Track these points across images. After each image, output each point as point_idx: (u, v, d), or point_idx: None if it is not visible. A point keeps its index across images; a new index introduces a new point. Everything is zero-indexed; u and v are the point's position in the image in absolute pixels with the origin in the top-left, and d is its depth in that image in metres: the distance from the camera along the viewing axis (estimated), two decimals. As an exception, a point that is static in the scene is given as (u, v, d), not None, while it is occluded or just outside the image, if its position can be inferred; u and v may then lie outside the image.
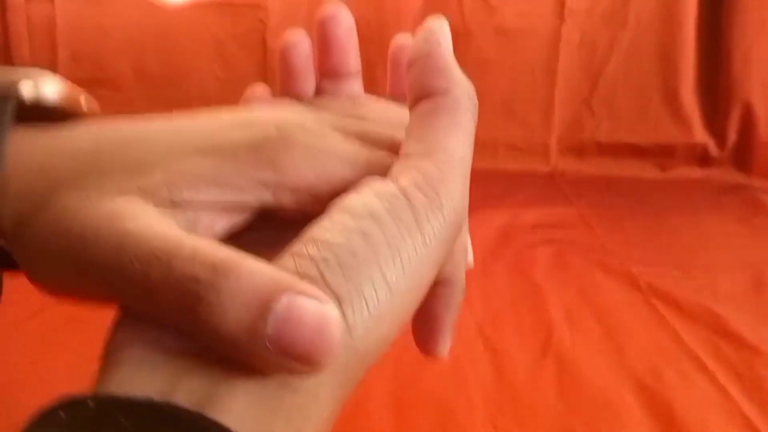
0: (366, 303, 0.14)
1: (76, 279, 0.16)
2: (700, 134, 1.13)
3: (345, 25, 0.25)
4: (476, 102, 0.20)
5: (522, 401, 0.53)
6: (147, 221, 0.15)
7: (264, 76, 1.12)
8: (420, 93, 0.19)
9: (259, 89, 0.25)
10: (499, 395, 0.53)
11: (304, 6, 1.11)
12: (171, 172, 0.16)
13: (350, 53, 0.25)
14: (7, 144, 0.16)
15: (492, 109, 1.14)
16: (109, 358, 0.14)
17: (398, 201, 0.16)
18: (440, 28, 0.20)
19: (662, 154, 1.13)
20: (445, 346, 0.22)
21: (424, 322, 0.21)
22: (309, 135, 0.18)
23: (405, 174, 0.16)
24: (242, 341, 0.13)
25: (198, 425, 0.12)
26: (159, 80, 1.12)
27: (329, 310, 0.13)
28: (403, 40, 0.26)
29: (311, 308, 0.13)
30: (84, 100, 0.20)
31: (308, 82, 0.25)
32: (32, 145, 0.17)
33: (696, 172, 1.11)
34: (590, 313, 0.67)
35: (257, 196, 0.17)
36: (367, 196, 0.16)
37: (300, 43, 0.25)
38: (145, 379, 0.14)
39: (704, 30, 1.12)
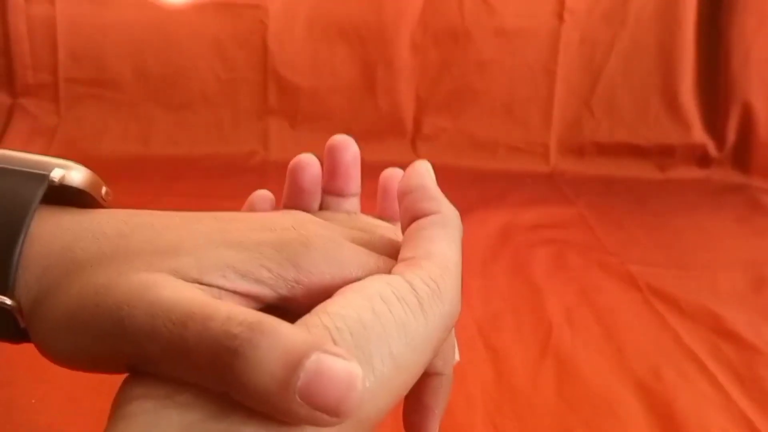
0: (373, 372, 0.16)
1: (105, 353, 0.16)
2: (700, 134, 1.13)
3: (351, 152, 0.28)
4: (461, 225, 0.23)
5: (522, 401, 0.53)
6: (180, 288, 0.16)
7: (264, 77, 1.12)
8: (414, 215, 0.22)
9: (264, 195, 0.27)
10: (499, 395, 0.53)
11: (304, 6, 1.11)
12: (201, 258, 0.18)
13: (354, 178, 0.29)
14: (31, 221, 0.18)
15: (491, 109, 1.14)
16: (120, 410, 0.15)
17: (404, 287, 0.18)
18: (428, 169, 0.24)
19: (662, 154, 1.13)
20: None
21: (415, 411, 0.24)
22: (326, 240, 0.20)
23: (408, 270, 0.19)
24: (274, 394, 0.14)
25: None
26: (159, 80, 1.12)
27: (355, 368, 0.15)
28: (392, 172, 0.30)
29: (339, 365, 0.14)
30: (104, 189, 0.21)
31: (315, 199, 0.28)
32: (56, 226, 0.18)
33: (695, 172, 1.11)
34: (590, 313, 0.67)
35: (276, 290, 0.19)
36: (377, 282, 0.18)
37: (310, 165, 0.28)
38: (162, 428, 0.14)
39: (704, 30, 1.12)
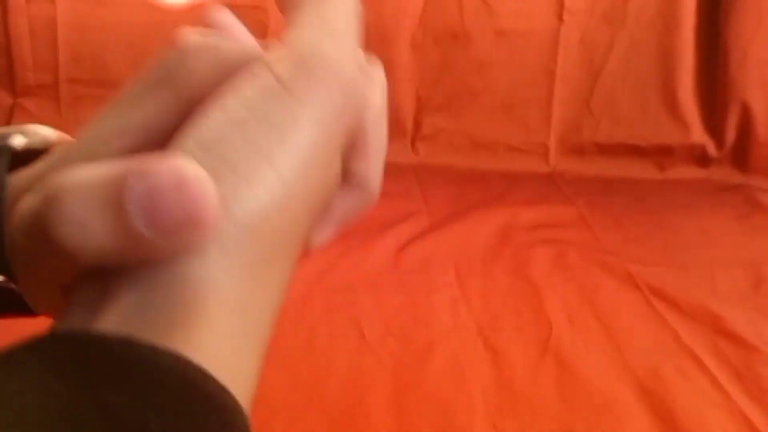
0: (236, 171, 0.13)
1: (48, 273, 0.15)
2: (699, 134, 1.13)
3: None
4: None
5: (522, 401, 0.53)
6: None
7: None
8: None
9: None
10: (499, 395, 0.53)
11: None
12: (85, 140, 0.17)
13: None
14: (4, 194, 0.17)
15: (491, 109, 1.14)
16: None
17: (260, 72, 0.15)
18: None
19: (661, 154, 1.13)
20: (320, 240, 0.20)
21: None
22: (202, 43, 0.17)
23: (271, 51, 0.16)
24: (119, 241, 0.12)
25: (76, 339, 0.12)
26: (159, 81, 1.12)
27: (179, 162, 0.12)
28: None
29: (163, 168, 0.12)
30: None
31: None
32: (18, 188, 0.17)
33: (695, 172, 1.11)
34: (590, 313, 0.67)
35: (167, 120, 0.16)
36: (233, 79, 0.15)
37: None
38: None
39: (703, 31, 1.12)
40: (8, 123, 1.08)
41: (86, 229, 0.12)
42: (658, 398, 0.54)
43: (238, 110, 0.14)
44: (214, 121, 0.14)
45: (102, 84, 1.11)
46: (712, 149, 1.12)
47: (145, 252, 0.12)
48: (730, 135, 1.11)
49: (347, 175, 0.19)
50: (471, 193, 0.97)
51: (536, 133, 1.15)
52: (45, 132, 0.19)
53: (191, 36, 0.17)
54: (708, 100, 1.13)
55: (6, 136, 0.18)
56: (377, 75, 0.19)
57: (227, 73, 0.16)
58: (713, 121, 1.12)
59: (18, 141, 0.18)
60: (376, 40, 1.11)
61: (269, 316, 0.15)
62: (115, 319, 0.12)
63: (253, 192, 0.14)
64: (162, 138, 0.16)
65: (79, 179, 0.13)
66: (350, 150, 0.18)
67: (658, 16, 1.12)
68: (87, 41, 1.10)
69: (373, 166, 0.19)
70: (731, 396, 0.55)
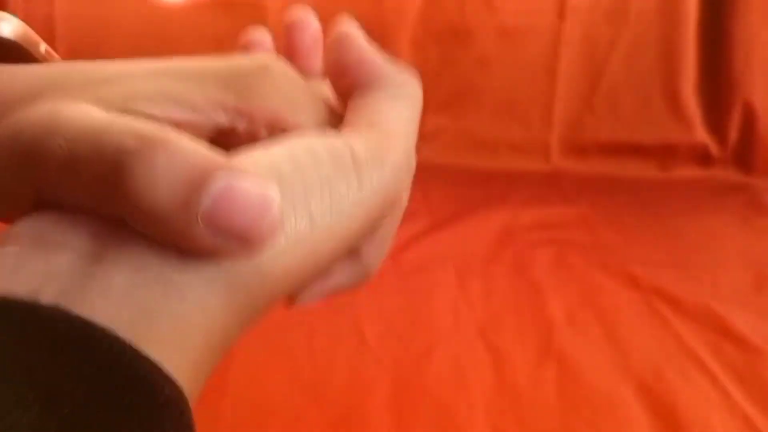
0: (282, 225, 0.14)
1: (17, 187, 0.15)
2: (701, 133, 1.12)
3: (311, 32, 0.25)
4: (420, 91, 0.20)
5: (522, 402, 0.53)
6: (86, 110, 0.14)
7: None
8: (354, 90, 0.19)
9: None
10: (500, 395, 0.53)
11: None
12: (132, 87, 0.16)
13: (316, 58, 0.25)
14: None
15: (492, 108, 1.14)
16: None
17: (341, 146, 0.16)
18: (352, 30, 0.20)
19: (663, 153, 1.13)
20: (308, 300, 0.21)
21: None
22: (286, 75, 0.18)
23: (355, 133, 0.17)
24: (172, 217, 0.12)
25: (55, 321, 0.11)
26: (159, 79, 1.11)
27: (273, 192, 0.13)
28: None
29: (254, 187, 0.12)
30: (44, 48, 0.19)
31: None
32: None
33: (697, 172, 1.11)
34: (591, 313, 0.66)
35: (214, 119, 0.16)
36: (311, 136, 0.16)
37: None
38: (25, 274, 0.12)
39: (706, 29, 1.11)
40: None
41: (158, 185, 0.12)
42: (660, 399, 0.53)
43: (309, 165, 0.15)
44: (284, 158, 0.15)
45: (101, 82, 1.11)
46: (714, 149, 1.11)
47: (186, 237, 0.12)
48: (733, 134, 1.11)
49: (352, 250, 0.19)
50: (471, 192, 0.97)
51: (537, 132, 1.15)
52: (10, 23, 0.18)
53: (280, 62, 0.18)
54: (711, 100, 1.13)
55: None
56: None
57: (296, 108, 0.17)
58: (716, 121, 1.12)
59: None
60: (376, 37, 1.10)
61: (230, 345, 0.15)
62: (105, 299, 0.12)
63: (291, 252, 0.14)
64: (207, 128, 0.16)
65: (183, 146, 0.13)
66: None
67: (660, 14, 1.12)
68: (85, 39, 1.09)
69: (378, 251, 0.20)
70: (733, 397, 0.54)
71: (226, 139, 0.17)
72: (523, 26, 1.13)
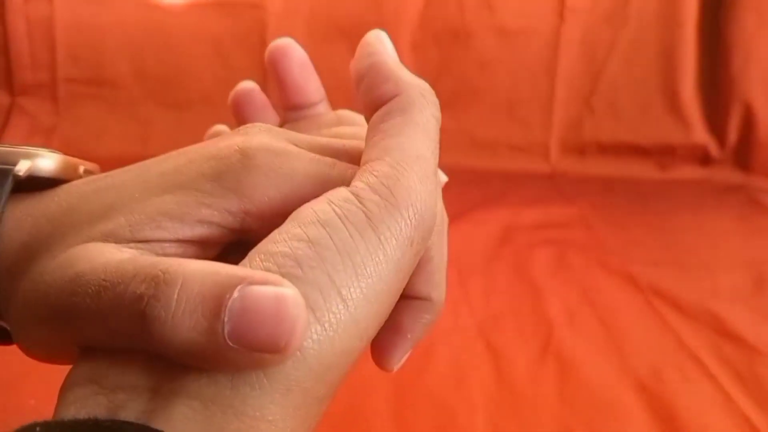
0: (314, 314, 0.14)
1: (55, 340, 0.16)
2: (701, 134, 1.12)
3: (297, 60, 0.24)
4: (435, 99, 0.19)
5: (522, 401, 0.53)
6: (98, 257, 0.15)
7: (264, 77, 1.12)
8: (373, 105, 0.18)
9: (220, 127, 0.25)
10: (500, 395, 0.53)
11: (304, 6, 1.11)
12: (134, 214, 0.16)
13: (308, 87, 0.25)
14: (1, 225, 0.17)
15: (492, 108, 1.14)
16: (59, 400, 0.14)
17: (349, 203, 0.15)
18: (377, 39, 0.19)
19: (663, 153, 1.13)
20: (399, 361, 0.21)
21: (386, 329, 0.20)
22: (272, 156, 0.17)
23: (359, 178, 0.16)
24: (203, 347, 0.13)
25: None
26: (158, 80, 1.11)
27: (285, 291, 0.13)
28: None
29: (265, 293, 0.13)
30: (83, 168, 0.20)
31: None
32: (21, 219, 0.17)
33: (696, 172, 1.11)
34: (591, 313, 0.66)
35: (224, 226, 0.16)
36: (318, 203, 0.16)
37: (252, 90, 0.25)
38: (95, 403, 0.13)
39: (705, 30, 1.11)
40: (6, 122, 1.07)
41: (180, 322, 0.13)
42: (659, 399, 0.53)
43: (322, 237, 0.14)
44: (295, 242, 0.14)
45: (100, 84, 1.11)
46: (714, 149, 1.11)
47: (222, 360, 0.13)
48: (733, 135, 1.11)
49: (413, 294, 0.19)
50: (471, 193, 0.97)
51: (537, 133, 1.15)
52: (50, 159, 0.19)
53: (260, 149, 0.17)
54: (710, 100, 1.13)
55: (11, 157, 0.18)
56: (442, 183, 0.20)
57: (299, 194, 0.17)
58: (715, 121, 1.12)
59: (23, 168, 0.18)
60: (376, 39, 1.10)
61: None
62: (171, 430, 0.13)
63: (333, 338, 0.14)
64: (220, 236, 0.17)
65: (192, 273, 0.13)
66: (415, 272, 0.18)
67: (660, 14, 1.12)
68: (85, 41, 1.09)
69: (437, 284, 0.20)
70: (732, 397, 0.54)
71: (245, 237, 0.17)
72: (523, 27, 1.13)
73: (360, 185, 0.16)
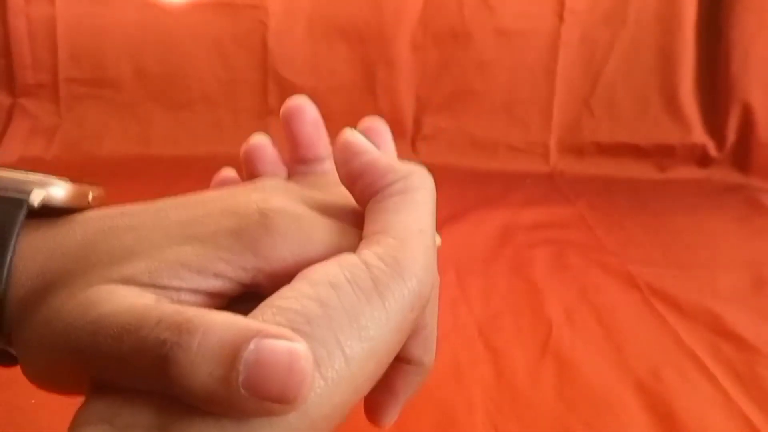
0: (319, 369, 0.15)
1: (67, 374, 0.16)
2: (700, 134, 1.13)
3: (310, 118, 0.26)
4: (431, 179, 0.21)
5: (522, 401, 0.53)
6: (121, 300, 0.16)
7: (264, 77, 1.12)
8: (372, 197, 0.20)
9: (227, 177, 0.26)
10: (499, 395, 0.53)
11: (304, 6, 1.11)
12: (154, 260, 0.17)
13: (319, 144, 0.26)
14: (11, 256, 0.17)
15: (491, 109, 1.14)
16: None
17: (358, 269, 0.16)
18: (355, 138, 0.20)
19: (662, 154, 1.13)
20: (391, 419, 0.23)
21: (378, 390, 0.21)
22: (290, 221, 0.18)
23: (366, 246, 0.17)
24: (217, 393, 0.13)
25: None
26: (159, 80, 1.12)
27: (297, 346, 0.14)
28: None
29: (279, 347, 0.14)
30: (92, 195, 0.20)
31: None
32: (35, 249, 0.18)
33: (695, 172, 1.11)
34: (590, 313, 0.67)
35: (236, 280, 0.18)
36: (329, 266, 0.17)
37: (264, 146, 0.26)
38: None
39: (704, 31, 1.12)
40: (8, 123, 1.08)
41: (198, 368, 0.14)
42: (658, 398, 0.54)
43: (331, 298, 0.16)
44: (306, 300, 0.16)
45: (102, 84, 1.11)
46: (712, 149, 1.11)
47: (234, 406, 0.14)
48: (731, 135, 1.11)
49: (405, 357, 0.21)
50: (471, 193, 0.97)
51: (536, 133, 1.15)
52: (62, 189, 0.19)
53: (279, 212, 0.18)
54: (709, 100, 1.13)
55: (24, 186, 0.18)
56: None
57: (310, 257, 0.18)
58: (714, 122, 1.12)
59: (37, 197, 0.18)
60: (376, 39, 1.11)
61: None
62: None
63: (333, 392, 0.15)
64: (231, 288, 0.18)
65: (212, 323, 0.14)
66: (411, 336, 0.19)
67: (659, 15, 1.12)
68: (86, 41, 1.10)
69: (429, 349, 0.22)
70: (731, 397, 0.55)
71: (254, 290, 0.18)
72: (522, 28, 1.13)
73: (368, 253, 0.17)
